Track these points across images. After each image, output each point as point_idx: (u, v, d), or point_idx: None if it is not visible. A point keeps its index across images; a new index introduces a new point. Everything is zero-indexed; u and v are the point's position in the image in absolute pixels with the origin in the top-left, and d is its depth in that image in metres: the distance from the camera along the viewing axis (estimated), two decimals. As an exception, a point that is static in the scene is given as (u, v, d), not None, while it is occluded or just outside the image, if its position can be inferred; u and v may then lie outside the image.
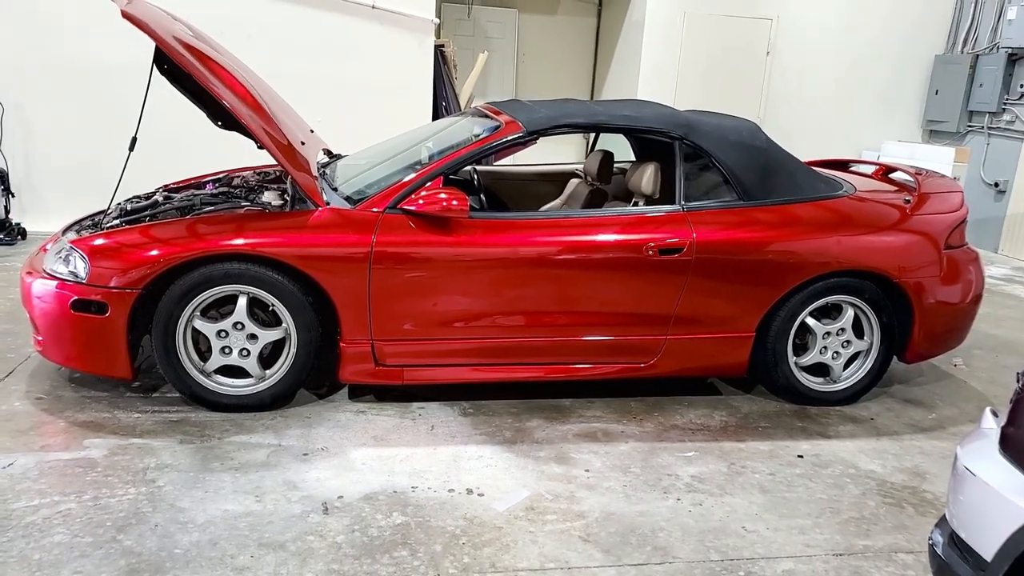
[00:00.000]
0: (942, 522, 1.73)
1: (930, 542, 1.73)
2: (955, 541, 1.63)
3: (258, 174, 4.06)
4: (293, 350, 3.11)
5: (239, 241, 2.97)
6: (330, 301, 3.07)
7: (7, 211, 5.63)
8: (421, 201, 3.07)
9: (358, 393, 3.37)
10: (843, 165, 4.47)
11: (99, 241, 3.02)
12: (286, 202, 3.28)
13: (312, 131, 4.08)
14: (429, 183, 3.17)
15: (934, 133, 8.06)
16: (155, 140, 5.36)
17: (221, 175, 4.13)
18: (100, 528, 2.36)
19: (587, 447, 3.04)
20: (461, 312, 3.18)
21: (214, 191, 3.58)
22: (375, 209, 3.12)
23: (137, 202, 3.59)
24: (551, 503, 2.63)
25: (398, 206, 3.12)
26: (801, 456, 3.08)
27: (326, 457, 2.84)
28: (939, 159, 6.86)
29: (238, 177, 3.99)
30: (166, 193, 3.71)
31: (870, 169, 4.34)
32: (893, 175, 4.16)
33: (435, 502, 2.59)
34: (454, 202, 3.05)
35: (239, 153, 4.33)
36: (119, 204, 3.57)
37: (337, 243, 3.04)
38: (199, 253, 2.93)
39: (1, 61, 5.62)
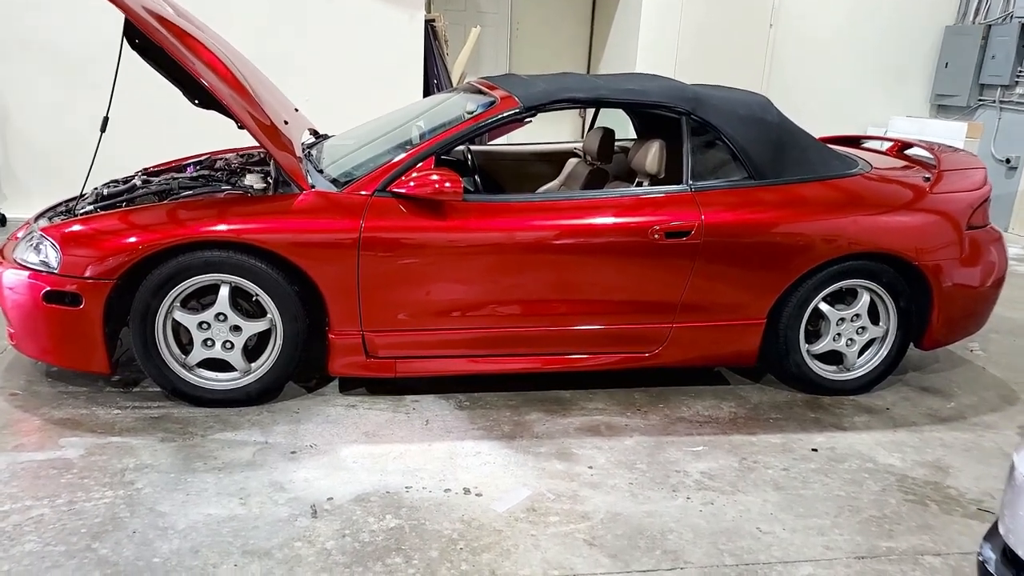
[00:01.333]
0: (993, 535, 1.57)
1: (979, 558, 1.57)
2: (1010, 558, 1.47)
3: (241, 156, 3.87)
4: (279, 342, 2.95)
5: (218, 227, 2.79)
6: (317, 290, 2.90)
7: (-14, 196, 5.44)
8: (412, 183, 2.89)
9: (349, 386, 3.21)
10: (854, 141, 4.28)
11: (71, 228, 2.84)
12: (269, 185, 3.10)
13: (297, 110, 3.88)
14: (420, 164, 2.98)
15: (943, 108, 7.84)
16: (141, 120, 5.20)
17: (203, 157, 3.94)
18: (74, 536, 2.20)
19: (590, 442, 2.88)
20: (456, 301, 3.01)
21: (194, 174, 3.39)
22: (363, 192, 2.94)
23: (114, 186, 3.40)
24: (553, 503, 2.48)
25: (387, 189, 2.93)
26: (816, 450, 2.93)
27: (315, 455, 2.68)
28: (950, 135, 6.65)
29: (221, 159, 3.80)
30: (145, 177, 3.52)
31: (884, 145, 4.15)
32: (909, 151, 3.97)
33: (431, 503, 2.44)
34: (447, 184, 2.87)
35: (236, 134, 4.14)
36: (96, 188, 3.39)
37: (323, 228, 2.86)
38: (176, 240, 2.75)
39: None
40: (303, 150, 3.53)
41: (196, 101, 3.44)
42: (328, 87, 5.74)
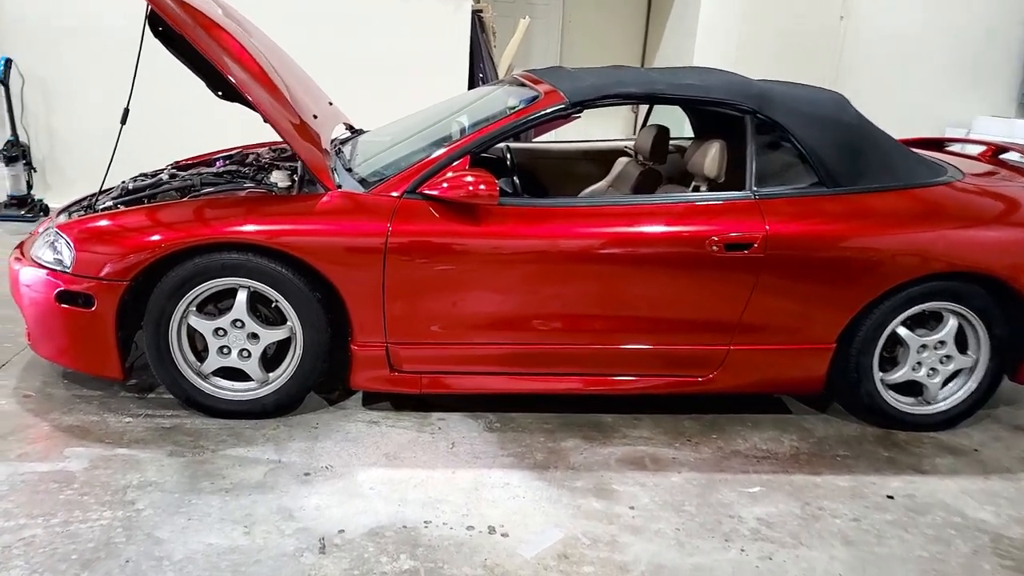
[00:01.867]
0: None
1: None
2: None
3: (274, 151, 3.69)
4: (299, 352, 2.74)
5: (236, 228, 2.59)
6: (340, 297, 2.68)
7: (29, 187, 5.43)
8: (445, 185, 2.64)
9: (372, 400, 2.99)
10: (938, 144, 3.86)
11: (85, 226, 2.69)
12: (294, 184, 2.89)
13: (331, 103, 3.68)
14: (455, 163, 2.73)
15: (1032, 108, 7.21)
16: (182, 111, 5.10)
17: (235, 151, 3.78)
18: (64, 563, 2.03)
19: (632, 477, 2.59)
20: (489, 313, 2.75)
21: (220, 169, 3.22)
22: (392, 193, 2.70)
23: (142, 180, 3.26)
24: (588, 550, 2.21)
25: (418, 190, 2.69)
26: (891, 497, 2.58)
27: (330, 478, 2.47)
28: (1043, 138, 6.07)
29: (253, 154, 3.63)
30: (172, 171, 3.37)
31: (975, 150, 3.72)
32: (1005, 156, 3.54)
33: (451, 543, 2.19)
34: (482, 186, 2.61)
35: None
36: (123, 182, 3.25)
37: (347, 232, 2.63)
38: (192, 242, 2.57)
39: (21, 31, 5.38)
40: (334, 146, 3.33)
41: (219, 93, 3.27)
42: (369, 80, 5.55)
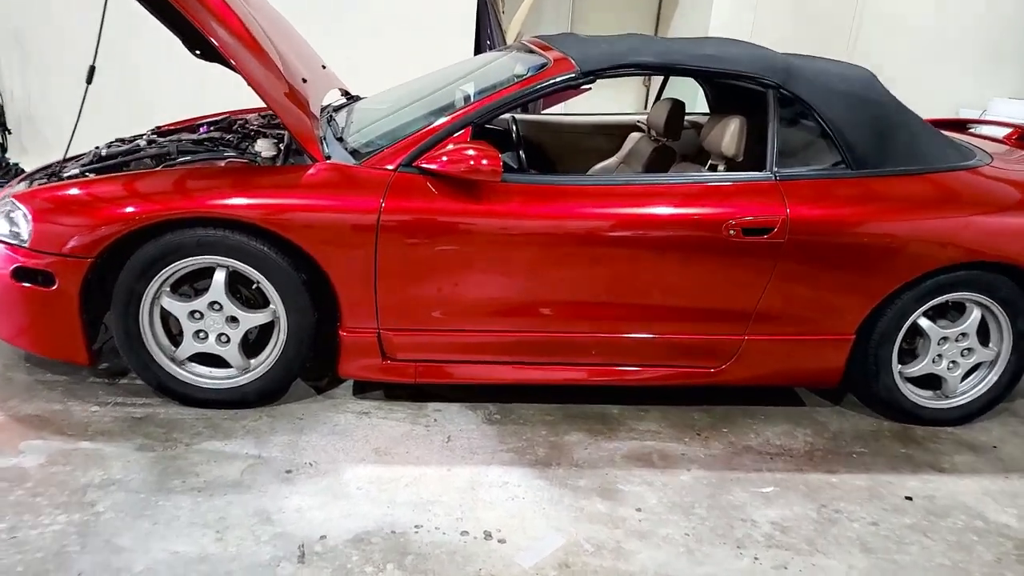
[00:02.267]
0: None
1: None
2: None
3: (263, 116, 3.46)
4: (282, 337, 2.55)
5: (214, 201, 2.38)
6: (328, 279, 2.48)
7: (4, 149, 5.15)
8: (444, 158, 2.43)
9: (364, 389, 2.81)
10: (960, 126, 3.67)
11: (45, 195, 2.46)
12: (279, 153, 2.67)
13: (324, 67, 3.43)
14: (455, 135, 2.51)
15: (1046, 89, 7.01)
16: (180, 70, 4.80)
17: (222, 116, 3.53)
18: None
19: (639, 475, 2.43)
20: (489, 298, 2.56)
21: (200, 136, 2.98)
22: (387, 166, 2.49)
23: (117, 146, 3.01)
24: (592, 557, 2.05)
25: (414, 163, 2.48)
26: (910, 498, 2.43)
27: (314, 476, 2.29)
28: (1060, 120, 5.88)
29: (241, 119, 3.39)
30: (152, 137, 3.13)
31: (999, 132, 3.53)
32: (1032, 139, 3.35)
33: (443, 550, 2.02)
34: (484, 161, 2.40)
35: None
36: (96, 148, 3.01)
37: (335, 208, 2.42)
38: (161, 215, 2.35)
39: (-5, -18, 5.06)
40: (326, 114, 3.10)
41: (197, 52, 3.02)
42: (368, 43, 5.27)
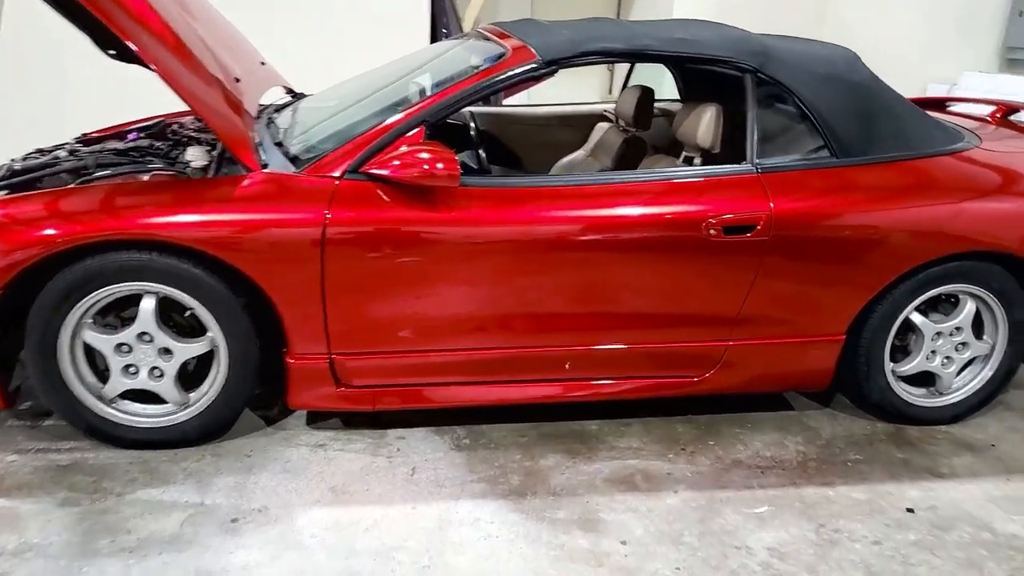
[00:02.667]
0: None
1: None
2: None
3: (199, 119, 3.17)
4: (223, 367, 2.30)
5: (134, 221, 2.11)
6: (270, 301, 2.23)
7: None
8: (395, 163, 2.19)
9: (319, 417, 2.57)
10: (939, 105, 3.52)
11: (-58, 221, 2.17)
12: (211, 163, 2.40)
13: (263, 63, 3.15)
14: (407, 135, 2.27)
15: (1015, 62, 6.92)
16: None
17: (156, 120, 3.23)
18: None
19: (622, 500, 2.23)
20: (451, 315, 2.33)
21: (125, 145, 2.69)
22: (332, 174, 2.24)
23: (34, 158, 2.71)
24: (576, 604, 1.85)
25: (362, 169, 2.24)
26: (911, 510, 2.27)
27: (263, 524, 2.05)
28: (1029, 93, 5.79)
29: (176, 123, 3.10)
30: (75, 147, 2.83)
31: (981, 110, 3.38)
32: (1017, 117, 3.21)
33: (410, 605, 1.81)
34: (439, 165, 2.17)
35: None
36: (11, 161, 2.70)
37: (273, 223, 2.17)
38: (73, 240, 2.08)
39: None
40: (265, 116, 2.83)
41: (111, 52, 2.72)
42: (315, 36, 4.96)
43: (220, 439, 2.41)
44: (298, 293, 2.22)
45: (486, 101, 4.30)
